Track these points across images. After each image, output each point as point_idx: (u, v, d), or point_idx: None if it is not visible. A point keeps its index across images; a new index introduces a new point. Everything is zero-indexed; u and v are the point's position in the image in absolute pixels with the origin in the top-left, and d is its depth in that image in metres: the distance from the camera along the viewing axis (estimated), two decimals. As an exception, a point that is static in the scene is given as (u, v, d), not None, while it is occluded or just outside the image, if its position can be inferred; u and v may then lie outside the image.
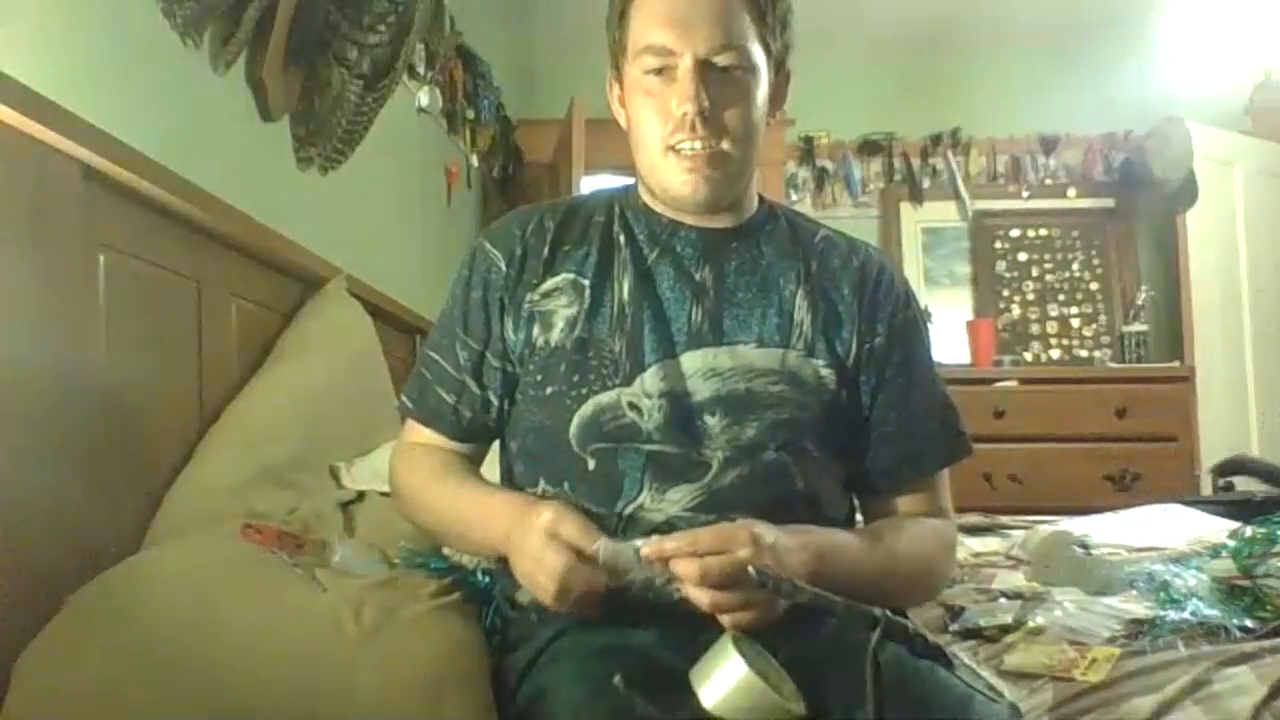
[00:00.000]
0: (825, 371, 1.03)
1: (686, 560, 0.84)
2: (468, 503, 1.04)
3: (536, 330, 1.04)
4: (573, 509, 0.93)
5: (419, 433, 1.13)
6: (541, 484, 1.03)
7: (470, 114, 3.21)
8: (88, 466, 1.11)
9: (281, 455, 1.44)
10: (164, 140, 1.32)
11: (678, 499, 0.97)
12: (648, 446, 0.98)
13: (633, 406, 0.99)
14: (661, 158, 1.01)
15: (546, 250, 1.06)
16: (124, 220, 1.23)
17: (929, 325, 1.17)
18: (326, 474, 1.56)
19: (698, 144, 0.98)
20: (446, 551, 1.20)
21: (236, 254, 1.53)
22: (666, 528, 0.95)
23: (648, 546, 0.86)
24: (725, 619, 0.84)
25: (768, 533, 0.87)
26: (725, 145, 0.99)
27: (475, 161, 3.36)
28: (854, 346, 1.05)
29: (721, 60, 0.98)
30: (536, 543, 0.90)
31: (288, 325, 1.67)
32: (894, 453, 1.07)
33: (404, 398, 1.14)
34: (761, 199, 1.12)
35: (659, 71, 0.99)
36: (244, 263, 1.56)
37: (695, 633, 0.84)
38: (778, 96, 1.07)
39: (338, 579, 1.05)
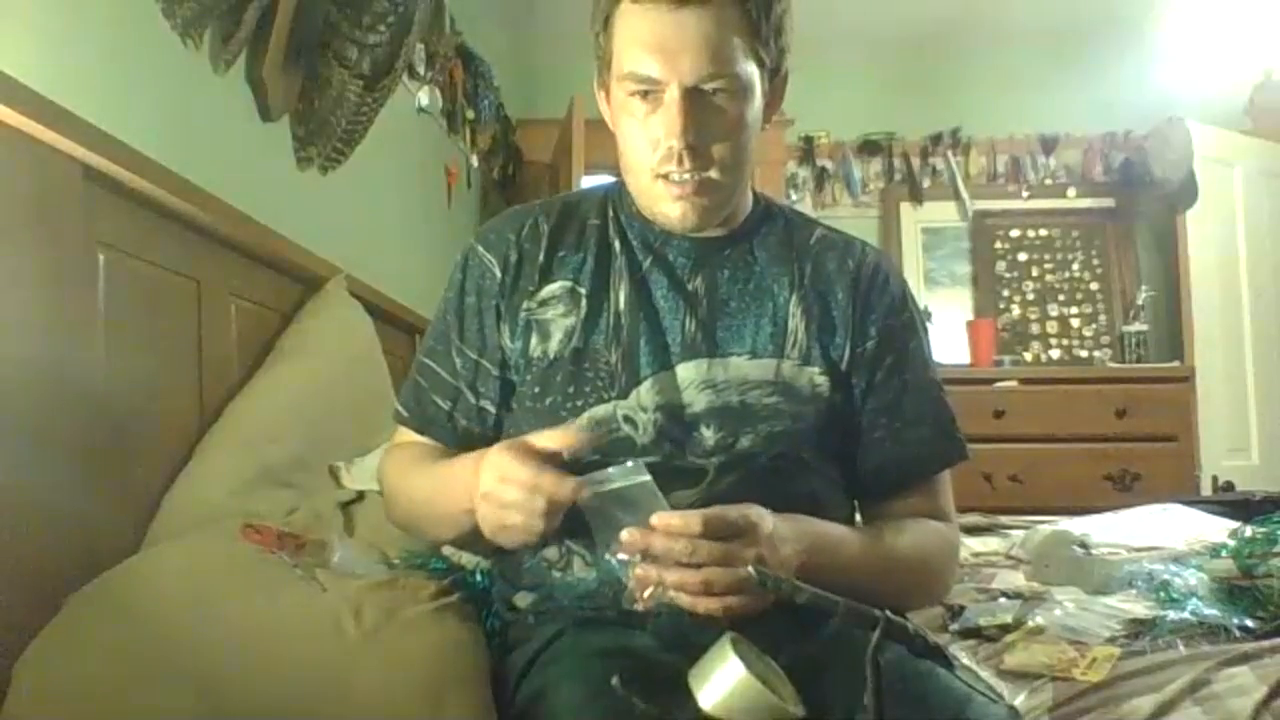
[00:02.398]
0: (820, 379, 1.02)
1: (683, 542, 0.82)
2: (439, 473, 1.02)
3: (534, 340, 1.02)
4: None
5: (411, 439, 1.12)
6: None
7: (470, 114, 3.20)
8: (88, 466, 1.11)
9: (281, 455, 1.44)
10: (164, 140, 1.32)
11: (675, 506, 0.95)
12: (642, 459, 0.97)
13: (628, 420, 0.98)
14: (650, 184, 0.99)
15: (542, 255, 1.04)
16: (124, 220, 1.23)
17: (927, 326, 1.15)
18: (326, 474, 1.56)
19: (686, 175, 0.96)
20: (446, 551, 1.20)
21: (236, 254, 1.53)
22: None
23: (656, 518, 0.83)
24: (714, 602, 0.82)
25: (765, 522, 0.86)
26: (714, 174, 0.96)
27: (475, 161, 3.36)
28: (846, 350, 1.04)
29: (710, 88, 0.94)
30: (498, 457, 0.87)
31: (288, 325, 1.67)
32: (886, 457, 1.05)
33: (399, 405, 1.12)
34: (758, 198, 1.10)
35: (644, 95, 0.95)
36: (244, 263, 1.56)
37: (694, 634, 0.84)
38: (774, 102, 1.04)
39: (337, 580, 1.04)
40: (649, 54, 0.93)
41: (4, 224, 1.01)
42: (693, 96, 0.93)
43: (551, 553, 0.99)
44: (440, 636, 0.97)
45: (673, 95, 0.93)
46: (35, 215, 1.06)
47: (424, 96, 2.71)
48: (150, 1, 1.37)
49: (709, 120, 0.95)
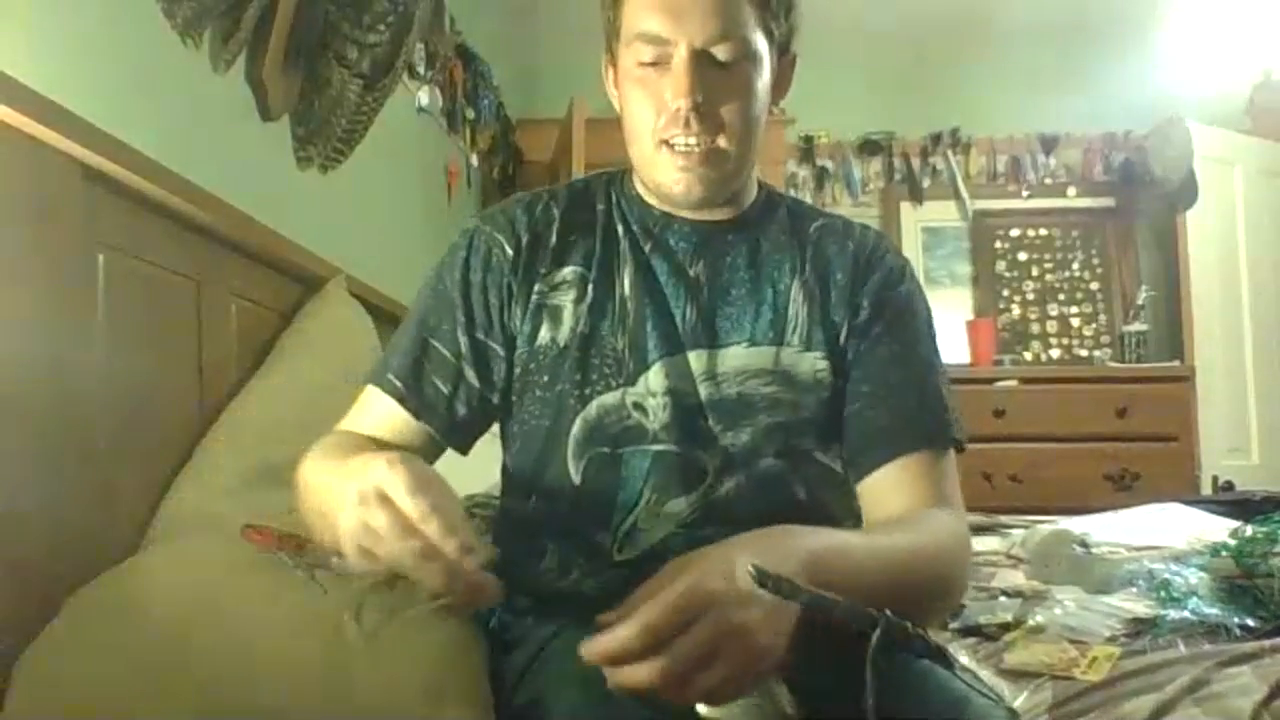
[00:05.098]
0: (821, 364, 0.99)
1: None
2: (337, 470, 0.84)
3: (544, 327, 1.00)
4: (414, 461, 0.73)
5: (359, 422, 1.02)
6: (534, 500, 1.00)
7: (470, 114, 3.21)
8: (88, 466, 1.11)
9: (281, 455, 1.43)
10: (164, 140, 1.32)
11: (675, 513, 0.94)
12: (655, 447, 0.96)
13: (638, 407, 0.97)
14: (654, 152, 0.96)
15: (555, 238, 1.02)
16: (124, 220, 1.23)
17: (930, 308, 1.10)
18: (326, 474, 1.56)
19: (692, 139, 0.93)
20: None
21: (236, 254, 1.53)
22: (661, 548, 0.93)
23: (589, 649, 0.69)
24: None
25: (738, 567, 0.69)
26: (722, 142, 0.94)
27: (475, 161, 3.35)
28: (844, 326, 1.01)
29: (719, 51, 0.91)
30: (387, 472, 0.71)
31: (288, 325, 1.67)
32: (866, 426, 0.97)
33: (394, 377, 1.00)
34: (761, 186, 1.08)
35: (653, 62, 0.93)
36: (244, 263, 1.56)
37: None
38: (782, 83, 1.02)
39: (337, 580, 1.04)
40: (659, 13, 0.92)
41: (4, 224, 1.01)
42: (701, 59, 0.91)
43: (551, 562, 0.98)
44: (440, 636, 0.97)
45: (681, 56, 0.91)
46: (35, 215, 1.06)
47: (424, 96, 2.71)
48: (150, 1, 1.37)
49: (718, 85, 0.92)
